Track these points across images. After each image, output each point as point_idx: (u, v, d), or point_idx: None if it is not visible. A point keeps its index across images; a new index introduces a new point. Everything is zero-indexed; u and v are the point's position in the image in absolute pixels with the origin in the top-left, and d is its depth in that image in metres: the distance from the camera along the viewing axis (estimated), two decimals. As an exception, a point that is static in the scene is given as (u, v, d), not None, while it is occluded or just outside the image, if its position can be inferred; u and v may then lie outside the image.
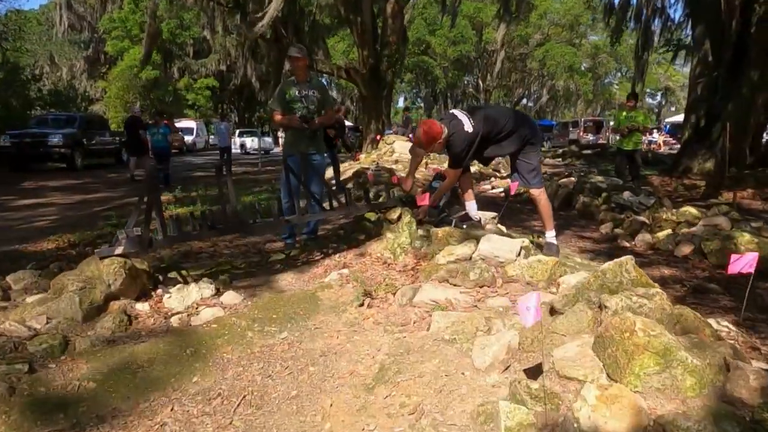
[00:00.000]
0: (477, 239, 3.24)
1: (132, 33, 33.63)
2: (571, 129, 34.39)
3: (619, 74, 50.61)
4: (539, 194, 3.90)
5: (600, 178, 8.77)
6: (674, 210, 6.46)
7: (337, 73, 17.16)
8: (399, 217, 3.88)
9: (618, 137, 9.61)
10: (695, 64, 12.25)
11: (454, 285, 2.90)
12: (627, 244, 5.65)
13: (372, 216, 4.10)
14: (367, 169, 10.22)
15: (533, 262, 2.79)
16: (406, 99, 58.91)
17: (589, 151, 18.89)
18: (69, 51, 37.87)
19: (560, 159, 17.78)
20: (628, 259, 2.37)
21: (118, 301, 2.92)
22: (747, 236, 4.66)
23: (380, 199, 5.86)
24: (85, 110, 34.19)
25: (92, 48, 37.91)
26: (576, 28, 42.59)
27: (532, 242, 4.33)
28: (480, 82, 45.85)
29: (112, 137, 17.67)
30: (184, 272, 3.60)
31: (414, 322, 2.69)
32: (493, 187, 10.27)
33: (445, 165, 14.43)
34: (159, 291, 3.19)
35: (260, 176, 14.02)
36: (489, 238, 3.08)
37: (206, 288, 3.16)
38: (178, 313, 2.94)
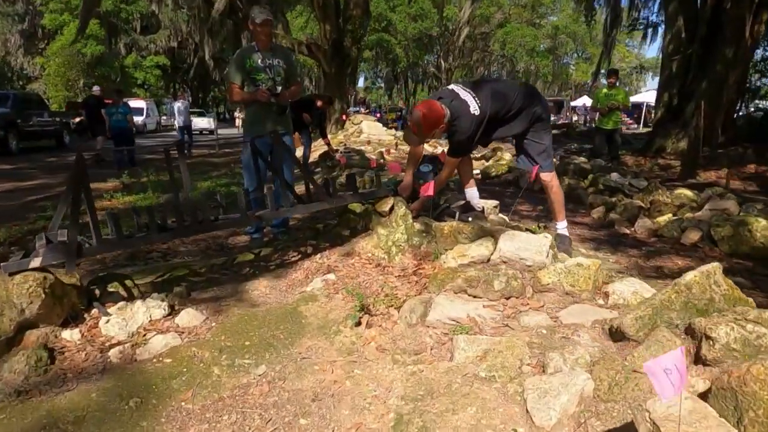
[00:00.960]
0: (493, 236, 2.67)
1: (72, 5, 31.07)
2: (531, 109, 34.45)
3: (575, 55, 51.09)
4: (552, 179, 3.36)
5: (583, 159, 8.39)
6: (668, 193, 6.10)
7: (298, 48, 16.14)
8: (391, 209, 3.27)
9: (597, 116, 9.25)
10: (668, 42, 12.03)
11: (474, 297, 2.33)
12: (627, 231, 5.23)
13: (357, 207, 3.46)
14: (336, 151, 9.51)
15: (572, 267, 2.25)
16: (366, 78, 57.81)
17: (555, 131, 18.69)
18: (2, 24, 34.81)
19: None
20: (715, 268, 1.84)
21: (37, 330, 2.20)
22: (763, 222, 4.29)
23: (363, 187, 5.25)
24: (23, 89, 31.67)
25: (28, 21, 34.95)
26: (537, 8, 42.51)
27: (534, 233, 3.83)
28: (442, 62, 45.27)
29: (51, 118, 16.17)
30: (128, 282, 2.88)
31: (431, 349, 2.10)
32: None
33: (440, 149, 13.83)
34: (94, 311, 2.47)
35: (217, 159, 13.07)
36: (511, 235, 2.51)
37: (157, 306, 2.46)
38: (119, 343, 2.24)
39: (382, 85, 57.82)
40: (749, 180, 9.19)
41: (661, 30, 15.90)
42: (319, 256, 3.25)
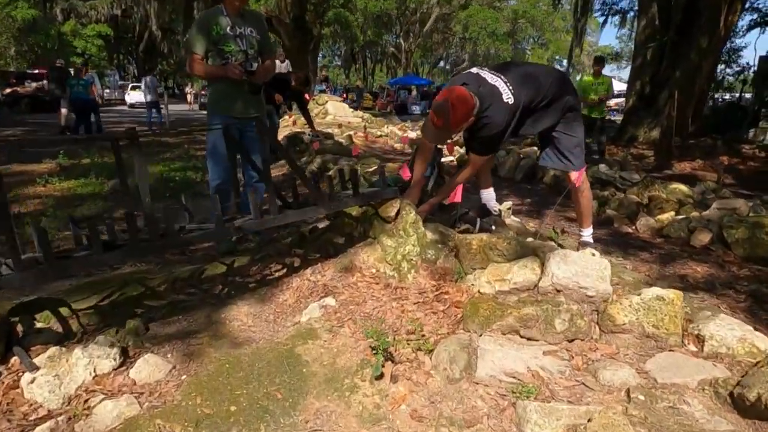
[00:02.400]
0: (537, 255, 2.15)
1: (0, -37, 28.29)
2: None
3: (532, 40, 51.45)
4: (583, 180, 2.89)
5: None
6: (663, 188, 5.80)
7: (257, 21, 15.09)
8: (398, 214, 2.70)
9: (583, 106, 8.92)
10: (641, 29, 11.85)
11: (529, 339, 1.81)
12: (629, 230, 4.87)
13: (354, 209, 2.88)
14: (302, 133, 8.78)
15: (652, 302, 1.77)
16: (324, 56, 56.31)
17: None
18: None
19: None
20: None
21: (-76, 402, 1.53)
22: (782, 224, 3.99)
23: (336, 184, 4.63)
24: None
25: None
26: (499, -9, 42.34)
27: (551, 239, 3.36)
28: (402, 42, 44.46)
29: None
30: (64, 309, 2.20)
31: (488, 418, 1.57)
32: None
33: (411, 133, 13.34)
34: (14, 360, 1.80)
35: (170, 139, 12.01)
36: (562, 255, 2.01)
37: (104, 355, 1.81)
38: (49, 415, 1.59)
39: (340, 63, 56.52)
40: (724, 173, 9.14)
41: (629, 17, 15.82)
42: (310, 271, 2.64)
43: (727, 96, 16.97)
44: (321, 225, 3.24)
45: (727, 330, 1.69)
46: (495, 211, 2.98)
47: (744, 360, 1.61)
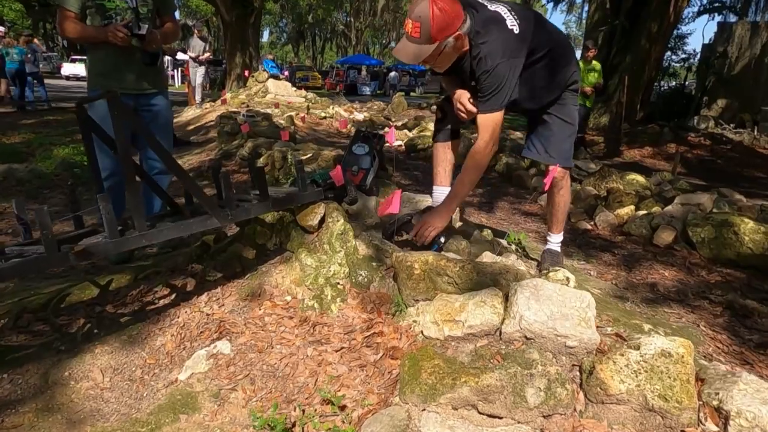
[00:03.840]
0: (499, 285, 1.62)
1: None
2: (443, 75, 34.19)
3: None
4: (566, 177, 2.35)
5: (519, 134, 7.62)
6: (621, 179, 5.47)
7: (191, -11, 13.88)
8: (322, 222, 2.10)
9: (580, 94, 8.46)
10: (591, 13, 11.63)
11: (491, 416, 1.28)
12: (588, 226, 4.48)
13: (268, 215, 2.25)
14: (236, 113, 7.93)
15: (655, 359, 1.27)
16: (271, 33, 54.29)
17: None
18: None
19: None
20: None
21: None
22: (751, 223, 3.67)
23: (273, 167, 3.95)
24: None
25: None
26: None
27: (511, 243, 2.87)
28: (352, 20, 43.31)
29: None
30: None
31: None
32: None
33: (358, 114, 12.78)
34: None
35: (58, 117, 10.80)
36: (533, 288, 1.48)
37: None
38: None
39: (287, 41, 54.74)
40: (672, 160, 9.06)
41: (578, 2, 15.66)
42: (206, 297, 2.01)
43: (673, 83, 17.27)
44: (231, 231, 2.59)
45: (760, 404, 1.22)
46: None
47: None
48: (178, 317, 1.91)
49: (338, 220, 2.06)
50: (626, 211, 4.65)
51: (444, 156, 2.32)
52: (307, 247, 2.06)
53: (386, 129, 3.52)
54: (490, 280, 1.66)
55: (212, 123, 8.17)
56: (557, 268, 1.97)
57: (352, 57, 37.36)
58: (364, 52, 43.60)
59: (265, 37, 49.63)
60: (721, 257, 3.80)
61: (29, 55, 11.58)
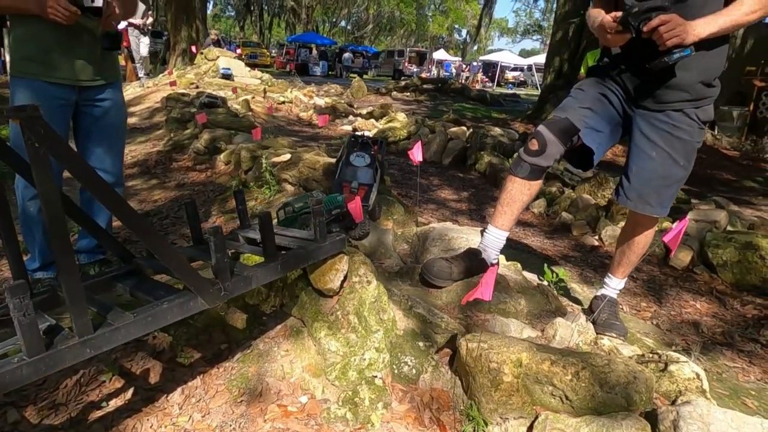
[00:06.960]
0: (632, 402, 1.09)
1: None
2: (396, 58, 33.60)
3: (432, 6, 50.95)
4: (654, 225, 1.86)
5: (499, 130, 7.18)
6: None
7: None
8: (343, 282, 1.51)
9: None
10: (561, 3, 11.32)
11: None
12: (595, 242, 4.08)
13: (256, 257, 1.62)
14: (185, 95, 7.01)
15: None
16: (215, 4, 51.39)
17: (430, 86, 17.56)
18: None
19: (407, 93, 16.07)
20: None
21: None
22: (778, 247, 3.37)
23: (266, 188, 3.21)
24: None
25: None
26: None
27: (552, 283, 2.36)
28: (302, -5, 41.57)
29: None
30: None
31: None
32: (356, 130, 7.89)
33: (318, 99, 12.05)
34: None
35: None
36: (700, 418, 0.97)
37: None
38: None
39: (233, 14, 52.13)
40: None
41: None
42: (180, 396, 1.37)
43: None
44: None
45: None
46: (492, 260, 1.86)
47: None
48: (139, 423, 1.27)
49: (370, 282, 1.46)
50: (631, 224, 4.26)
51: (520, 197, 1.75)
52: (325, 320, 1.46)
53: (412, 141, 2.91)
54: (621, 396, 1.13)
55: (158, 105, 7.22)
56: (677, 358, 1.44)
57: (302, 35, 35.91)
58: (314, 30, 42.10)
59: (209, 8, 46.85)
60: (744, 282, 3.48)
61: None
